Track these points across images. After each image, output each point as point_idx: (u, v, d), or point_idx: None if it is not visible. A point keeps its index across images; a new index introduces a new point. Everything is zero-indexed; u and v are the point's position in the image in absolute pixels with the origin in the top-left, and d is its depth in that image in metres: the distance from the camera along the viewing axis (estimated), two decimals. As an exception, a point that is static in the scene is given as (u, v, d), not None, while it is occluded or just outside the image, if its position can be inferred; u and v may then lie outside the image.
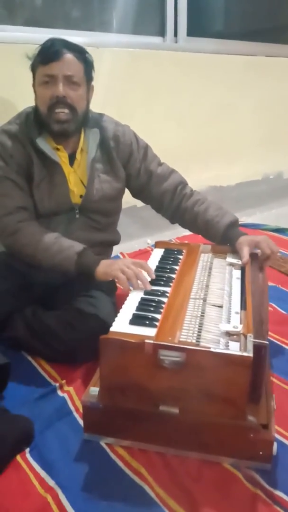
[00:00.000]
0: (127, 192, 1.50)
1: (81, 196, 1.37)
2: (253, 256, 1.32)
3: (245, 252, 1.29)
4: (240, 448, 0.97)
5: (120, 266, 1.19)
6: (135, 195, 1.52)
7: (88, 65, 1.29)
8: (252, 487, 0.94)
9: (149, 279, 1.19)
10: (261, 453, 0.97)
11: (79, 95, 1.27)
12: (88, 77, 1.31)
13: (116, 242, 1.55)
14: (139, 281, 1.16)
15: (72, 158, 1.36)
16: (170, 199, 1.45)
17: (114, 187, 1.42)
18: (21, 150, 1.30)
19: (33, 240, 1.27)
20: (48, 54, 1.23)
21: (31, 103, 1.31)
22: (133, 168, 1.44)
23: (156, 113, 2.16)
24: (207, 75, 2.34)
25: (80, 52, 1.27)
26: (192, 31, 2.30)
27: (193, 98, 2.30)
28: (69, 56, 1.24)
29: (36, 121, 1.31)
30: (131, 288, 1.17)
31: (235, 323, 1.01)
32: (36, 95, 1.28)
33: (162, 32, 2.23)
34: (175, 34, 2.25)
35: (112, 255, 1.63)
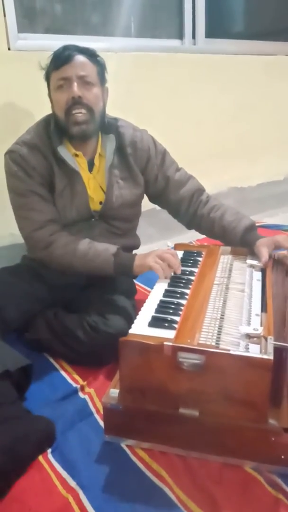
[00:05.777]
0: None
1: (100, 203, 1.38)
2: (278, 261, 1.30)
3: (264, 252, 1.27)
4: (262, 452, 0.96)
5: (153, 256, 1.24)
6: (152, 200, 1.52)
7: (100, 67, 1.30)
8: (274, 491, 0.93)
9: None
10: (283, 457, 0.95)
11: (95, 94, 1.27)
12: (102, 78, 1.31)
13: (136, 246, 1.55)
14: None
15: (91, 164, 1.36)
16: (187, 206, 1.45)
17: (134, 193, 1.42)
18: (42, 161, 1.30)
19: (69, 249, 1.29)
20: (60, 58, 1.24)
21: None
22: (151, 174, 1.44)
23: (176, 115, 2.16)
24: (226, 76, 2.32)
25: (91, 55, 1.28)
26: (211, 33, 2.29)
27: (213, 99, 2.29)
28: (81, 57, 1.25)
29: (56, 129, 1.30)
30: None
31: (255, 326, 1.00)
32: (53, 101, 1.29)
33: (180, 35, 2.23)
34: (193, 36, 2.25)
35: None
